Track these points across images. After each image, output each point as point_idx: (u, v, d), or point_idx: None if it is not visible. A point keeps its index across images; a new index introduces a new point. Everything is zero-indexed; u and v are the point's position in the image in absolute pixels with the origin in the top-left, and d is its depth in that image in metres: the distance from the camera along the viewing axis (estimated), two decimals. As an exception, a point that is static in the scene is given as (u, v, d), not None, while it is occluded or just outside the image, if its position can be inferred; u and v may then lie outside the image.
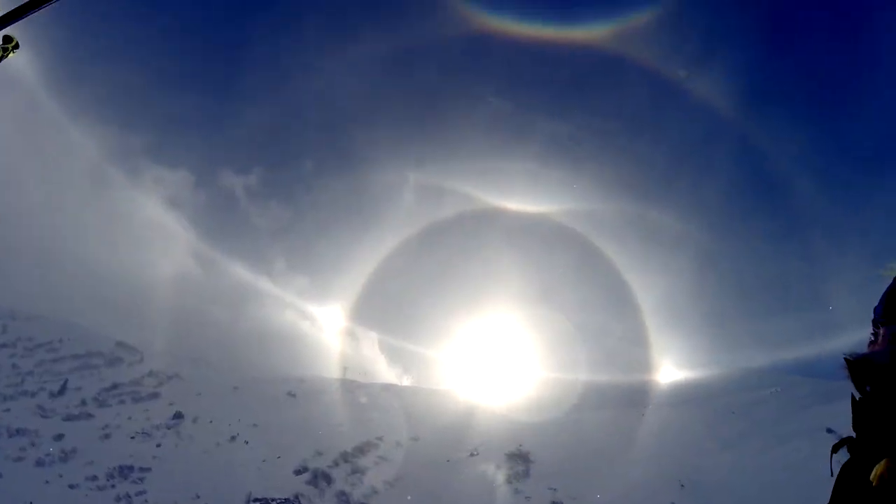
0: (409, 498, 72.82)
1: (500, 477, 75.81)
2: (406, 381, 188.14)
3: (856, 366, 1.64)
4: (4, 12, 2.63)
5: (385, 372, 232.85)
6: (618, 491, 63.09)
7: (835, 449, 1.76)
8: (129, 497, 72.18)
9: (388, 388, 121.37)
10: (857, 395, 1.60)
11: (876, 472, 1.63)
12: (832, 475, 1.67)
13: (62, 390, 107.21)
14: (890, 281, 1.98)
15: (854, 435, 1.54)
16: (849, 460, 1.53)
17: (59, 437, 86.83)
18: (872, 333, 1.90)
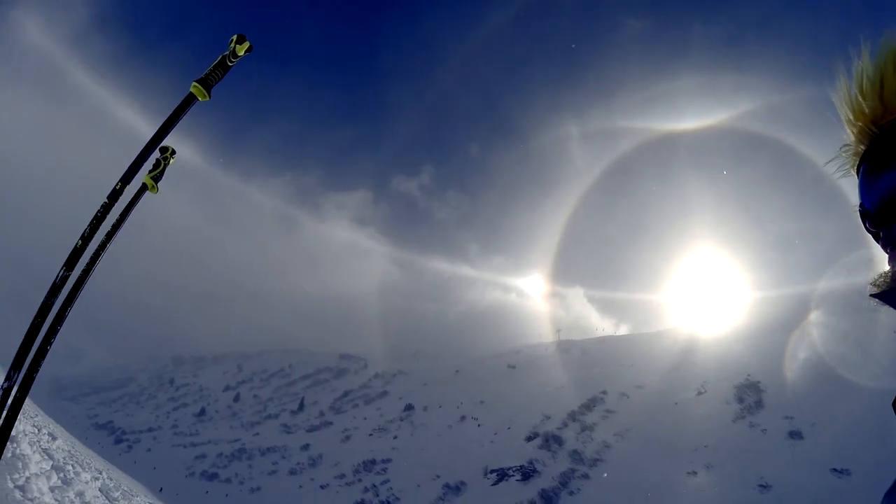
0: (640, 447, 72.05)
1: (731, 412, 72.52)
2: (622, 330, 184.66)
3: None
4: (157, 129, 3.33)
5: (599, 324, 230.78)
6: (864, 410, 56.10)
7: None
8: (376, 487, 76.35)
9: (604, 340, 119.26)
10: None
11: None
12: None
13: (300, 407, 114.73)
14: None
15: None
16: None
17: (306, 447, 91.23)
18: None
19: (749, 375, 76.51)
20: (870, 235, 1.49)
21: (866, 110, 1.38)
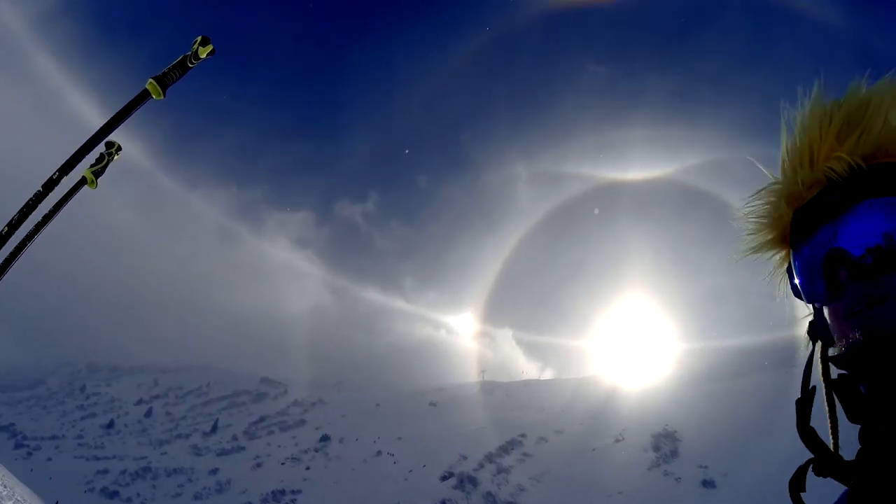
0: (556, 492, 72.37)
1: (647, 460, 71.76)
2: (547, 375, 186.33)
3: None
4: (105, 122, 3.23)
5: (525, 368, 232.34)
6: (774, 463, 57.69)
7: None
8: (284, 519, 76.36)
9: (528, 384, 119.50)
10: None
11: None
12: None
13: (214, 429, 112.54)
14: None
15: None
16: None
17: (214, 471, 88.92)
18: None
19: (667, 425, 77.68)
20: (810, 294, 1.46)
21: (862, 145, 1.31)
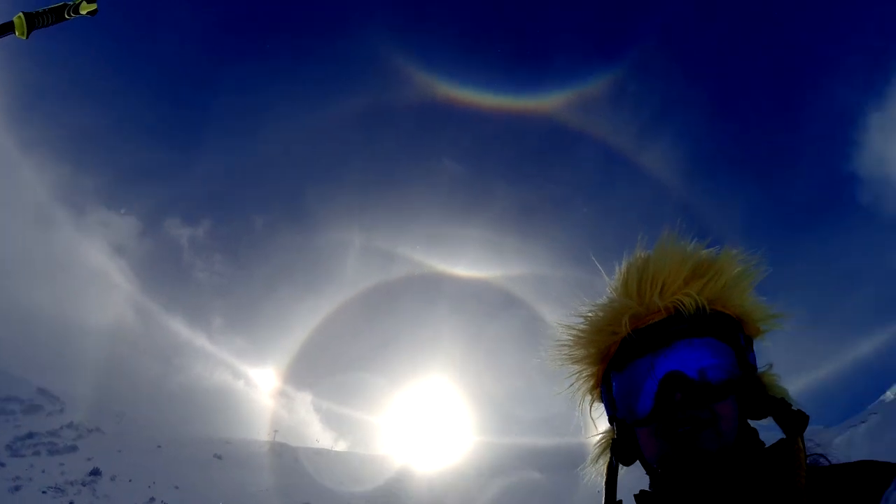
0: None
1: None
2: (341, 446, 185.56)
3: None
4: None
5: (319, 435, 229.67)
6: None
7: None
8: (34, 557, 70.63)
9: (321, 452, 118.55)
10: None
11: None
12: None
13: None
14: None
15: None
16: None
17: None
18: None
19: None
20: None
21: (706, 292, 1.53)
